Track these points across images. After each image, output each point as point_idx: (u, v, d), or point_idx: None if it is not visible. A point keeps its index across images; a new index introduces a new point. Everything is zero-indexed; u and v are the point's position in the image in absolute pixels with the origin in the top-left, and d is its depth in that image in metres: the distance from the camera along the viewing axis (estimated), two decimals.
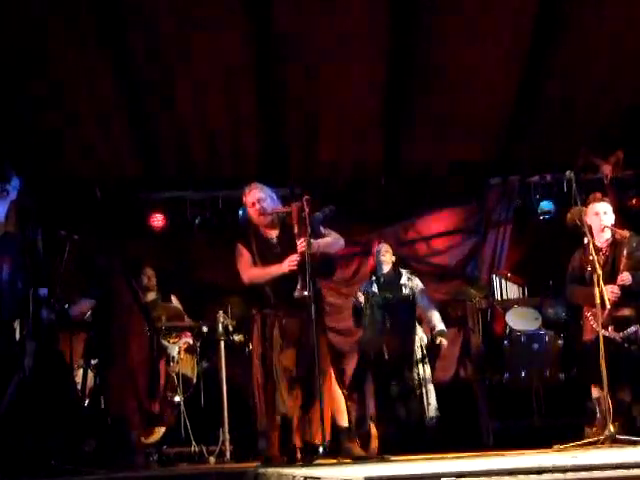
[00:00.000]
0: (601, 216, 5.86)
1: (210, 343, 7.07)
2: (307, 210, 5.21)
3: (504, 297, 7.96)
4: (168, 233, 8.05)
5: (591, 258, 5.53)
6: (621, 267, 5.69)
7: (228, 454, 6.60)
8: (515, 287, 8.02)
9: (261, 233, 5.55)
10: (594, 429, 5.64)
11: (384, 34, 6.81)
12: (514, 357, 7.28)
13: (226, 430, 6.62)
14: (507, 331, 7.45)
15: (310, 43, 6.84)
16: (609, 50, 6.94)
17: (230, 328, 6.82)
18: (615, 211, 6.19)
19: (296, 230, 5.32)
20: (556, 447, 5.22)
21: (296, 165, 7.90)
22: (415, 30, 6.77)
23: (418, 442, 6.55)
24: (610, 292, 5.60)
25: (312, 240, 5.24)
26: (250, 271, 5.52)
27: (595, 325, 5.55)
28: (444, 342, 6.87)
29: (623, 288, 5.61)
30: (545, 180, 8.03)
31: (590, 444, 5.23)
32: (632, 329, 5.61)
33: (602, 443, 5.20)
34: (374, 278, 7.01)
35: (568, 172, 6.12)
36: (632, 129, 7.56)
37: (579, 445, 5.23)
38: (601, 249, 5.78)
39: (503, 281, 7.99)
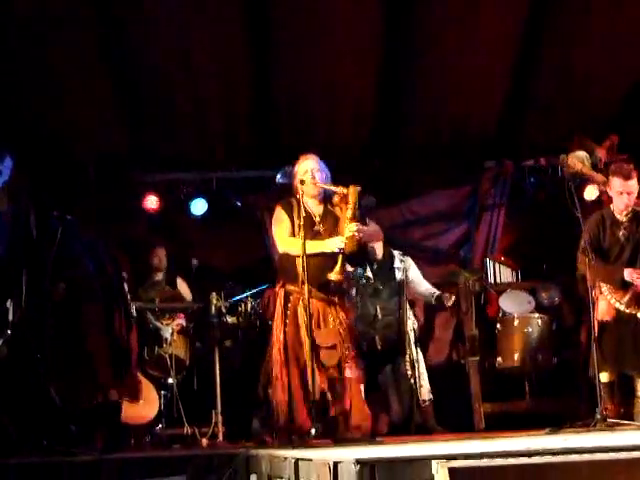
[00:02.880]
0: (630, 197, 5.67)
1: (203, 325, 7.07)
2: (359, 197, 5.16)
3: (497, 280, 7.93)
4: (162, 214, 8.02)
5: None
6: None
7: (221, 436, 6.61)
8: (508, 271, 8.00)
9: (305, 206, 5.30)
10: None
11: (378, 17, 6.74)
12: (507, 340, 7.29)
13: (219, 412, 6.63)
14: (500, 314, 7.46)
15: (305, 27, 6.79)
16: (603, 34, 6.92)
17: (223, 310, 6.80)
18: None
19: (349, 214, 5.20)
20: (547, 430, 5.24)
21: (289, 146, 7.85)
22: (409, 14, 6.72)
23: (410, 425, 6.58)
24: None
25: (362, 227, 5.19)
26: (289, 240, 5.32)
27: (615, 303, 5.52)
28: (453, 297, 6.95)
29: None
30: (539, 164, 8.01)
31: (582, 427, 5.25)
32: None
33: (594, 426, 5.22)
34: (367, 263, 6.98)
35: (562, 156, 6.08)
36: (628, 113, 7.55)
37: (571, 428, 5.24)
38: (622, 222, 5.69)
39: (497, 265, 7.98)
